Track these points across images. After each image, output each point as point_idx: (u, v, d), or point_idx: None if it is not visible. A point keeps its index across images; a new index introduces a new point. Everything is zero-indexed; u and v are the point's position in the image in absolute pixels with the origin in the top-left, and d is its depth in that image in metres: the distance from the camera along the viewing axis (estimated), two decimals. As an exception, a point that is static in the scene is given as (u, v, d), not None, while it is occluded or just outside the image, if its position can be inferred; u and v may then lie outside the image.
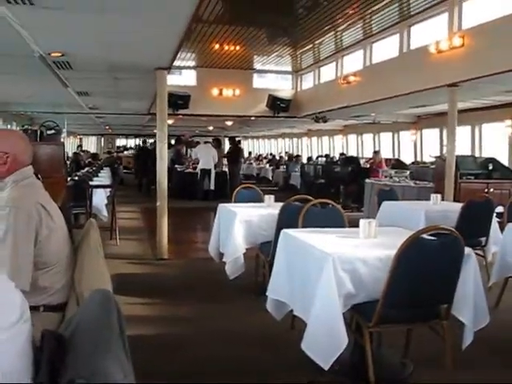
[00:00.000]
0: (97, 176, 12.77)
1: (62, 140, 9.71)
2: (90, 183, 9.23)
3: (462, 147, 13.08)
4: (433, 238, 3.27)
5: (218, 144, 17.41)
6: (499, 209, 7.10)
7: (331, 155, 22.18)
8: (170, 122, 17.30)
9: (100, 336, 1.24)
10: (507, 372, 3.77)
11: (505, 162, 12.15)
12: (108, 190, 10.14)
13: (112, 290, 2.19)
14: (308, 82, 18.85)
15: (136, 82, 9.83)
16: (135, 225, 11.15)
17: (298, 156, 22.19)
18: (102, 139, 38.09)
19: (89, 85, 10.61)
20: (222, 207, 6.20)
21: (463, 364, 3.56)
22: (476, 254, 4.89)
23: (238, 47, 14.93)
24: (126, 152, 35.13)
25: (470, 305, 3.41)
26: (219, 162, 16.94)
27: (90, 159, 19.77)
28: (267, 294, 3.91)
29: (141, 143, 22.95)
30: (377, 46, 14.12)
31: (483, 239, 6.34)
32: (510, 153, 13.18)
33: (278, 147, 33.60)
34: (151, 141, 24.10)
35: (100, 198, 9.07)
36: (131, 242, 8.91)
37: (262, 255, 5.59)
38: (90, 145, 38.75)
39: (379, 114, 16.89)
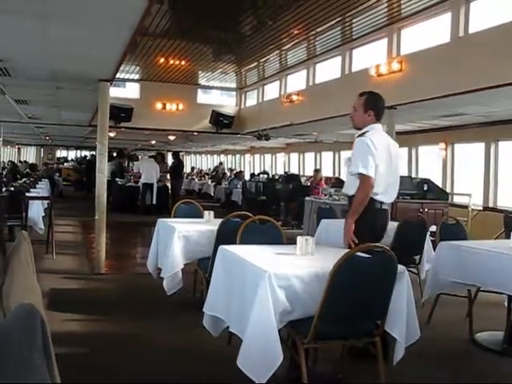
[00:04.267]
0: (34, 187, 12.49)
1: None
2: (27, 194, 8.98)
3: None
4: (367, 255, 3.34)
5: (161, 159, 17.32)
6: (433, 228, 7.32)
7: (273, 172, 22.32)
8: (112, 134, 17.14)
9: (19, 354, 1.19)
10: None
11: (439, 183, 12.60)
12: (46, 201, 9.89)
13: (43, 305, 2.13)
14: (252, 99, 19.01)
15: (78, 93, 9.67)
16: (73, 238, 10.87)
17: (240, 172, 22.17)
18: (42, 150, 37.26)
19: (28, 93, 10.35)
20: (161, 222, 6.16)
21: (395, 378, 3.64)
22: (410, 271, 5.03)
23: (183, 62, 14.93)
24: (66, 164, 34.51)
25: (402, 321, 3.48)
26: (162, 176, 16.84)
27: (27, 170, 19.29)
28: (204, 310, 3.88)
29: (89, 155, 22.85)
30: (320, 66, 14.41)
31: (417, 257, 6.54)
32: (443, 174, 13.65)
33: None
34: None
35: (36, 210, 8.83)
36: (68, 256, 8.68)
37: (200, 271, 5.57)
38: (30, 155, 37.84)
39: (321, 133, 17.16)
